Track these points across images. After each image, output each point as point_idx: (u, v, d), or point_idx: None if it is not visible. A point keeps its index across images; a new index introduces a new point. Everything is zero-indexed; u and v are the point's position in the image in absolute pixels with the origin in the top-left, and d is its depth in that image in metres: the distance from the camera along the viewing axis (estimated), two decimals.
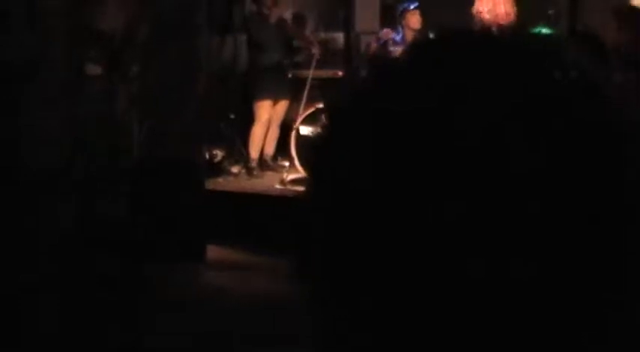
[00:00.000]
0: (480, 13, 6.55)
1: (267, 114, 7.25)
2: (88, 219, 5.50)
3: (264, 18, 7.18)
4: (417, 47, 0.58)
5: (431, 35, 0.61)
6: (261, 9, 7.23)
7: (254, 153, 7.40)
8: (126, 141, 6.11)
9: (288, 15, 7.95)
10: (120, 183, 5.93)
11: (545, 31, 7.84)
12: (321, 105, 7.36)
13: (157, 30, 6.22)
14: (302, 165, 6.87)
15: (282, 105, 7.41)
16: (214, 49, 7.53)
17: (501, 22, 6.52)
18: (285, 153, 7.51)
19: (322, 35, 8.44)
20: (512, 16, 6.58)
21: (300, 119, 7.27)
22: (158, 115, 6.11)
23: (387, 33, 7.38)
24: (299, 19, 7.52)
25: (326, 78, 7.88)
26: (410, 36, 7.37)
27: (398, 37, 7.39)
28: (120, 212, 5.79)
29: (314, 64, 7.38)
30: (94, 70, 5.98)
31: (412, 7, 7.50)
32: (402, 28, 7.42)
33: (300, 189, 0.66)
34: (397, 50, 7.27)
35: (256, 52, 7.25)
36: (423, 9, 7.55)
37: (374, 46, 7.43)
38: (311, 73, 7.33)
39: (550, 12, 7.54)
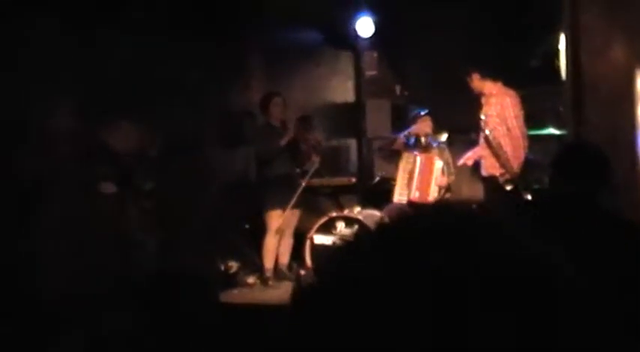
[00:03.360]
0: (489, 116, 6.60)
1: (278, 224, 7.22)
2: (97, 339, 5.38)
3: (273, 129, 7.25)
4: (383, 228, 0.71)
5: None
6: (269, 120, 7.31)
7: (268, 263, 7.32)
8: (139, 255, 6.07)
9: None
10: (131, 299, 5.85)
11: (554, 131, 7.88)
12: (334, 214, 7.32)
13: (168, 145, 6.29)
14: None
15: (294, 215, 7.37)
16: (226, 161, 7.60)
17: (509, 126, 6.55)
18: (302, 261, 7.43)
19: (335, 142, 8.50)
20: (520, 119, 6.61)
21: (314, 228, 7.22)
22: (170, 229, 6.10)
23: (407, 135, 7.47)
24: (304, 121, 7.54)
25: (340, 185, 7.88)
26: (422, 140, 7.44)
27: (411, 141, 7.45)
28: (130, 327, 5.68)
29: (311, 171, 7.32)
30: (106, 187, 6.02)
31: (423, 113, 7.58)
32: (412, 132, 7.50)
33: None
34: (416, 154, 7.32)
35: (264, 163, 7.28)
36: (433, 113, 7.63)
37: (400, 142, 7.49)
38: (305, 182, 7.24)
39: (561, 109, 7.58)
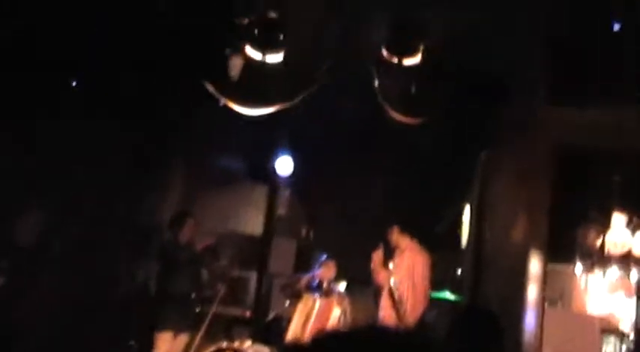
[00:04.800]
0: (398, 269, 6.80)
1: (166, 347, 6.98)
2: None
3: (179, 248, 7.17)
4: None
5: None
6: (177, 237, 7.24)
7: None
8: None
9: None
10: None
11: (449, 295, 8.16)
12: (224, 345, 7.16)
13: (73, 245, 6.13)
14: None
15: (183, 340, 7.16)
16: (128, 272, 7.42)
17: (415, 283, 6.75)
18: None
19: (236, 273, 8.46)
20: (427, 280, 6.83)
21: None
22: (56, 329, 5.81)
23: (311, 277, 7.53)
24: (212, 251, 7.53)
25: (234, 316, 7.77)
26: (325, 284, 7.53)
27: (314, 283, 7.53)
28: None
29: (217, 300, 7.26)
30: None
31: (324, 258, 7.74)
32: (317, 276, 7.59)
33: None
34: (315, 297, 7.38)
35: (166, 279, 7.13)
36: (337, 259, 7.78)
37: (304, 283, 7.51)
38: (213, 309, 7.16)
39: (457, 275, 7.88)
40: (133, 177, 7.34)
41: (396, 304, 6.63)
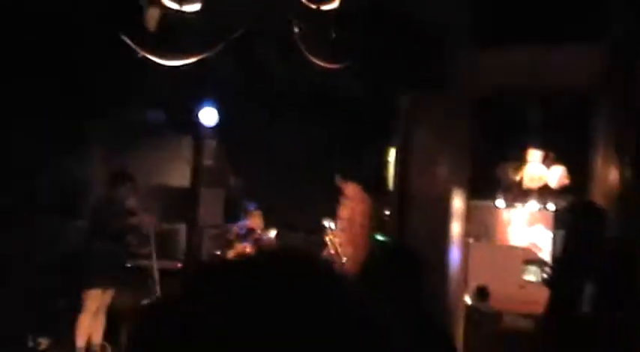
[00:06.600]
0: (341, 219, 6.98)
1: (96, 303, 6.96)
2: None
3: (117, 207, 7.07)
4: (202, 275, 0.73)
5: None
6: (115, 197, 7.12)
7: (80, 342, 6.99)
8: None
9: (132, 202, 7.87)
10: None
11: (381, 237, 8.38)
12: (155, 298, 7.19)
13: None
14: None
15: (111, 295, 7.14)
16: (58, 232, 7.30)
17: (354, 232, 6.96)
18: (116, 343, 7.16)
19: (165, 226, 8.44)
20: (365, 227, 7.04)
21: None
22: None
23: (240, 227, 7.61)
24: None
25: (165, 268, 7.78)
26: (254, 233, 7.62)
27: (242, 232, 7.61)
28: None
29: (152, 239, 7.21)
30: None
31: (252, 207, 7.82)
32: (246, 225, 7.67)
33: None
34: (245, 245, 7.47)
35: (92, 235, 7.05)
36: (266, 206, 7.87)
37: (235, 234, 7.57)
38: (154, 262, 7.17)
39: (386, 216, 8.09)
40: (53, 135, 7.17)
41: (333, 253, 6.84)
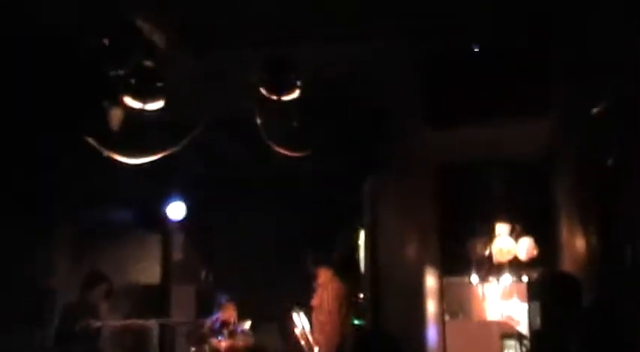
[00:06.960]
0: (314, 308, 6.93)
1: None
2: None
3: (87, 309, 6.90)
4: None
5: None
6: (87, 300, 6.95)
7: None
8: None
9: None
10: None
11: (357, 322, 8.28)
12: None
13: None
14: None
15: None
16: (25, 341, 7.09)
17: (326, 320, 6.90)
18: None
19: (138, 322, 8.24)
20: (334, 313, 6.98)
21: None
22: None
23: (214, 320, 7.50)
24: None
25: None
26: (229, 326, 7.51)
27: (216, 326, 7.49)
28: None
29: None
30: None
31: (224, 300, 7.74)
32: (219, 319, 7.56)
33: None
34: (220, 340, 7.33)
35: (59, 339, 6.84)
36: (237, 301, 7.77)
37: (208, 328, 7.44)
38: None
39: (360, 299, 8.02)
40: (22, 235, 7.07)
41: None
